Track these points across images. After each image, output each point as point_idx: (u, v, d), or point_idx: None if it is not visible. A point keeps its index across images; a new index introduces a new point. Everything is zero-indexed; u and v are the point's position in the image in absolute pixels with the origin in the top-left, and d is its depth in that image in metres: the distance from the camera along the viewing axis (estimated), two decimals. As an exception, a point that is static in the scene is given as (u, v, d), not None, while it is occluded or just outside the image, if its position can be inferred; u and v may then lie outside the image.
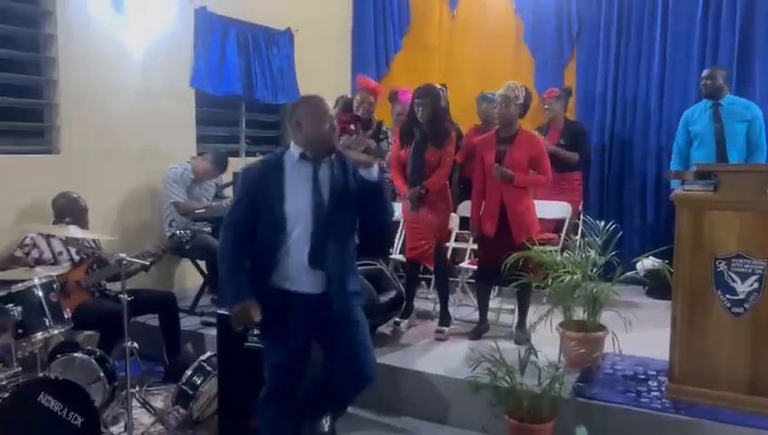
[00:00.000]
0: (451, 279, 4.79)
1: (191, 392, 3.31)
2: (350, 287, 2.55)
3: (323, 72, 5.87)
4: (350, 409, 3.42)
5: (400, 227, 4.85)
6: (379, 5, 6.37)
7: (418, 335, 4.11)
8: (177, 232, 3.99)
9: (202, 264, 4.75)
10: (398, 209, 4.90)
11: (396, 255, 4.83)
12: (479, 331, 4.07)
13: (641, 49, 5.47)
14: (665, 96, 5.40)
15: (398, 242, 4.90)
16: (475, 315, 4.28)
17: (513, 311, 4.23)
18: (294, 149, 2.51)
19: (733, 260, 2.87)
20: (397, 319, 4.20)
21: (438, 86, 5.11)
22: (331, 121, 2.48)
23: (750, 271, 2.85)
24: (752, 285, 2.85)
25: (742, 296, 2.87)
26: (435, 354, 3.77)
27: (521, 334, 3.93)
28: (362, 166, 2.42)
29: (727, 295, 2.89)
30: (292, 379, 2.60)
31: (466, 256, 4.75)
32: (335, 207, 2.46)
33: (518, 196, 3.89)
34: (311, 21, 5.90)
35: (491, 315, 4.25)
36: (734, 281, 2.87)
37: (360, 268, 3.98)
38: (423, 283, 4.85)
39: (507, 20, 6.03)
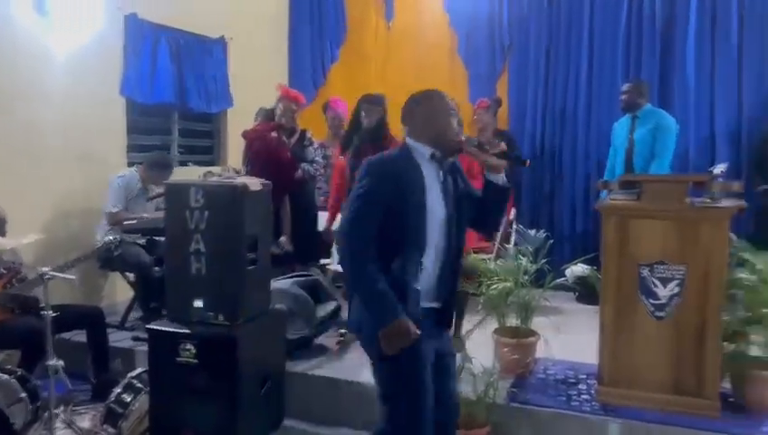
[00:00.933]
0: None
1: (120, 411, 3.18)
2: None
3: (259, 81, 5.80)
4: (286, 421, 3.40)
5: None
6: (315, 16, 6.37)
7: (355, 346, 4.09)
8: (107, 238, 3.84)
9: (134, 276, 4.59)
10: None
11: (335, 265, 4.80)
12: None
13: (569, 63, 5.67)
14: (592, 108, 5.62)
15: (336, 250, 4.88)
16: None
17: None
18: (421, 147, 2.23)
19: (655, 266, 3.00)
20: (342, 330, 4.18)
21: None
22: (458, 118, 2.29)
23: (671, 276, 2.98)
24: (673, 289, 2.98)
25: (664, 301, 2.99)
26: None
27: (457, 342, 3.97)
28: (492, 170, 2.26)
29: (651, 300, 3.01)
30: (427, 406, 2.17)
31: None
32: (460, 212, 2.27)
33: None
34: (245, 30, 5.84)
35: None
36: (656, 286, 3.00)
37: (296, 280, 4.00)
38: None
39: (442, 32, 6.13)
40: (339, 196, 4.26)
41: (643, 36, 5.40)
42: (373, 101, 4.08)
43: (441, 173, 2.24)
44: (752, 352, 3.09)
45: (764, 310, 2.98)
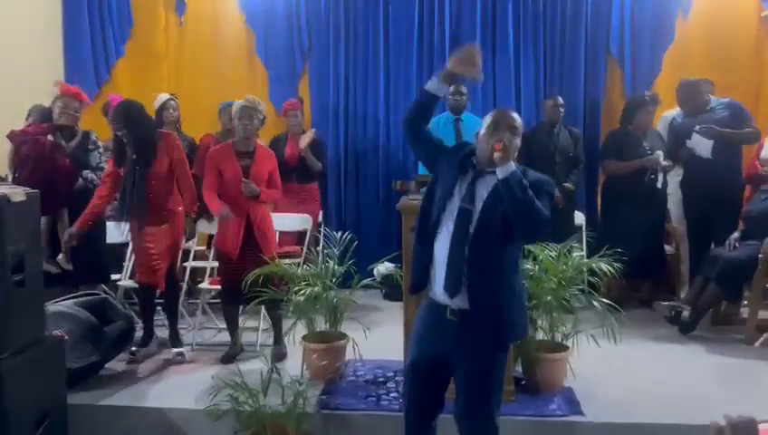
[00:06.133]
0: (192, 301, 4.53)
1: None
2: None
3: (28, 76, 5.10)
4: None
5: (129, 251, 4.43)
6: (94, 5, 5.74)
7: (155, 367, 3.75)
8: None
9: None
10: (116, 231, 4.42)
11: (125, 281, 4.38)
12: (231, 354, 3.85)
13: (368, 65, 5.76)
14: (391, 108, 5.77)
15: (127, 265, 4.45)
16: (219, 338, 4.08)
17: (256, 329, 4.11)
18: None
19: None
20: (133, 348, 3.80)
21: (167, 96, 4.84)
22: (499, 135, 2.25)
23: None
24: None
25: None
26: (173, 386, 3.47)
27: (277, 351, 3.82)
28: (498, 165, 2.19)
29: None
30: None
31: (206, 275, 4.50)
32: (486, 223, 2.27)
33: (263, 211, 3.87)
34: (6, 16, 5.07)
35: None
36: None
37: (79, 300, 3.56)
38: (160, 308, 4.48)
39: (238, 31, 5.89)
40: (99, 206, 3.84)
41: (434, 40, 5.67)
42: (114, 119, 3.77)
43: (468, 178, 2.30)
44: (538, 336, 3.36)
45: (547, 297, 3.24)
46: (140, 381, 3.55)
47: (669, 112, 5.23)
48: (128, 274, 4.41)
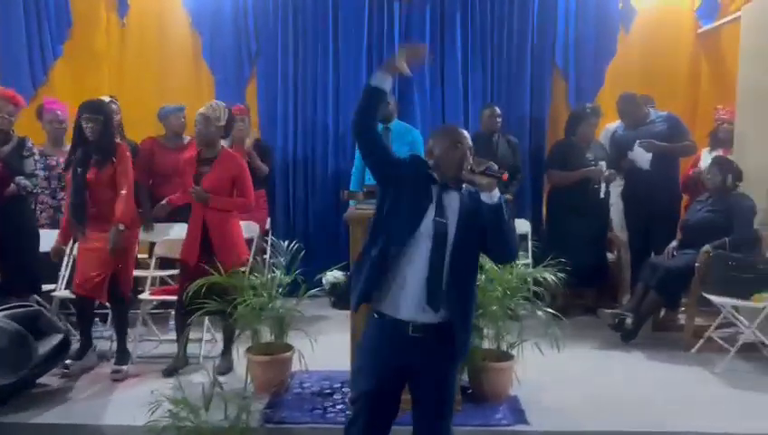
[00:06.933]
0: (131, 311, 4.37)
1: None
2: None
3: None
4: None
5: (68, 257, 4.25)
6: (30, 3, 5.50)
7: (92, 381, 3.61)
8: None
9: None
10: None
11: (61, 291, 4.19)
12: (175, 367, 3.74)
13: (317, 73, 5.71)
14: (340, 117, 5.73)
15: (63, 274, 4.26)
16: (161, 350, 3.94)
17: (200, 340, 4.00)
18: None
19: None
20: (67, 361, 3.64)
21: (107, 99, 4.68)
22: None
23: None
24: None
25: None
26: (111, 401, 3.34)
27: (223, 363, 3.73)
28: (482, 189, 2.17)
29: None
30: None
31: (147, 285, 4.35)
32: (463, 238, 2.23)
33: (222, 218, 3.76)
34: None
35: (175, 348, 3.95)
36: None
37: (8, 312, 3.38)
38: (98, 319, 4.30)
39: (184, 34, 5.75)
40: None
41: (383, 47, 5.66)
42: (90, 110, 3.67)
43: (434, 193, 2.25)
44: (484, 345, 3.37)
45: (493, 307, 3.25)
46: (75, 396, 3.40)
47: (612, 124, 5.38)
48: (63, 284, 4.23)
